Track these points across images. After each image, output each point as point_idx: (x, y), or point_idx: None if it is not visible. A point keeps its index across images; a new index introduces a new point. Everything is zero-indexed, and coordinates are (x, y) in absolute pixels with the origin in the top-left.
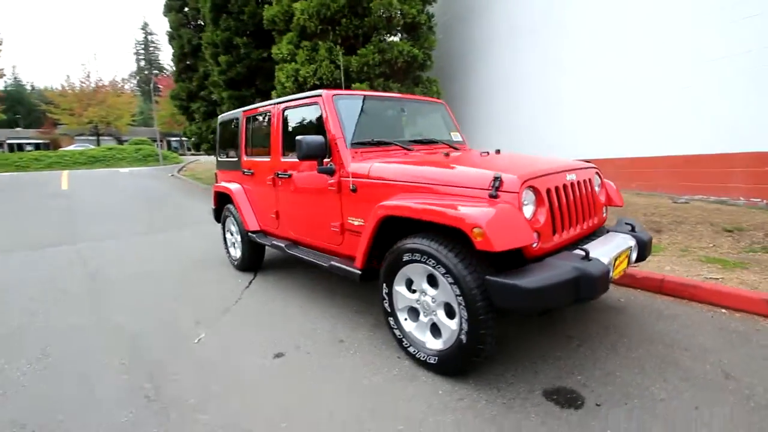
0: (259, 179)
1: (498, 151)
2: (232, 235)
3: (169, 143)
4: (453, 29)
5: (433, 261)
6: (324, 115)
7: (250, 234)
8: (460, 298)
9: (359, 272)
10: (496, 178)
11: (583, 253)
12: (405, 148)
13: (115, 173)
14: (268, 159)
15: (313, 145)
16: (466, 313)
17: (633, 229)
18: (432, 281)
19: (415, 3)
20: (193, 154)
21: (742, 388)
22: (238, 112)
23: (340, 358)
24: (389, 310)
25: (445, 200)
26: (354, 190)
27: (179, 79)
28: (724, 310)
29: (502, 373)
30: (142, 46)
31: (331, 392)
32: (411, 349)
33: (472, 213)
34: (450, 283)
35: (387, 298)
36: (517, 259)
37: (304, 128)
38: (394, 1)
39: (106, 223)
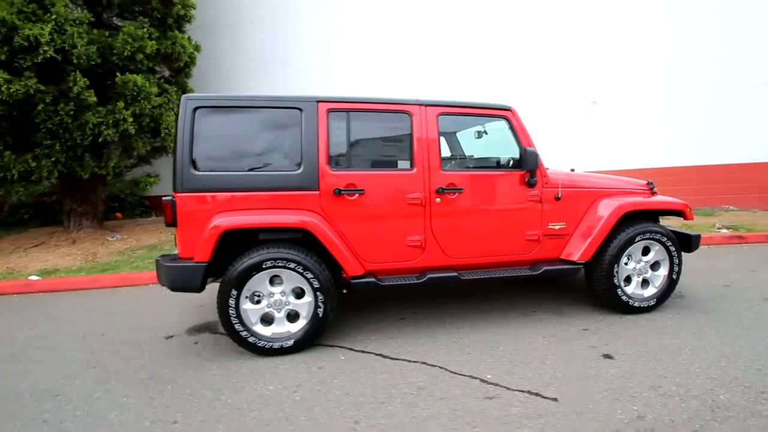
0: (380, 199)
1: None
2: (264, 300)
3: None
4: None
5: (659, 235)
6: (516, 130)
7: (356, 281)
8: (676, 257)
9: (581, 266)
10: (650, 182)
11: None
12: None
13: None
14: (409, 171)
15: (539, 157)
16: (677, 266)
17: None
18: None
19: None
20: None
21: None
22: (298, 100)
23: (619, 338)
24: (617, 284)
25: (630, 197)
26: (558, 199)
27: None
28: None
29: None
30: None
31: (687, 355)
32: (636, 304)
33: (677, 201)
34: (671, 250)
35: (616, 276)
36: None
37: (471, 139)
38: None
39: None
